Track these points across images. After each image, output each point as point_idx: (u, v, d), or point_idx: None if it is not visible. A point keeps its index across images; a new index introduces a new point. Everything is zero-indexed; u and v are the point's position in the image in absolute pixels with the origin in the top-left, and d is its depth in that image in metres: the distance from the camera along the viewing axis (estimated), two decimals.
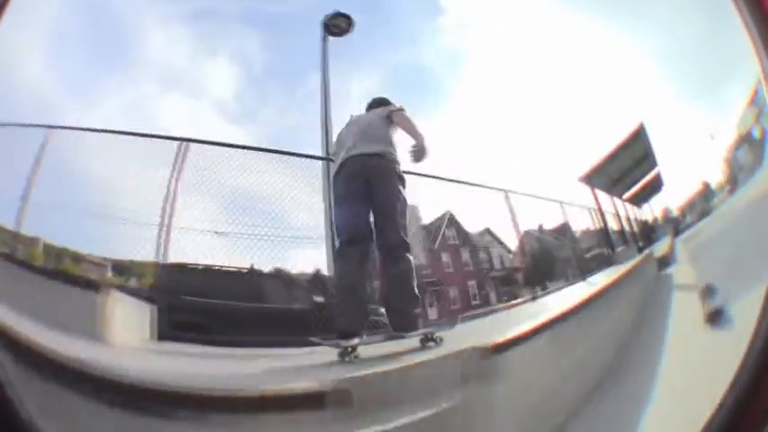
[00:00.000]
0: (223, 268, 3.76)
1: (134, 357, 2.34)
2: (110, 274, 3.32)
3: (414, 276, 2.56)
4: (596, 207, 7.82)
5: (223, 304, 3.38)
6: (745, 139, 4.28)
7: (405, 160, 2.77)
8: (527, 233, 6.67)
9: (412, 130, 2.75)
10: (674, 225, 6.17)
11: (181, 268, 3.49)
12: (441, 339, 2.42)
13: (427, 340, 2.42)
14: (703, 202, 4.83)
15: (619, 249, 7.37)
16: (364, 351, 2.26)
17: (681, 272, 4.22)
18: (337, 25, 4.93)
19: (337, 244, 2.56)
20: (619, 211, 9.92)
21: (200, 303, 3.29)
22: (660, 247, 5.87)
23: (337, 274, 2.52)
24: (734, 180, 4.36)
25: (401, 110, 2.87)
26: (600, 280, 5.28)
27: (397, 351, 2.22)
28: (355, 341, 2.21)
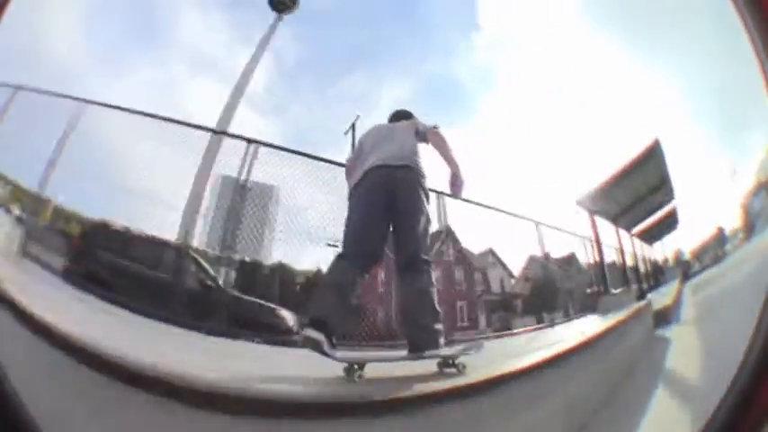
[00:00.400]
0: (150, 237, 3.88)
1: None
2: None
3: (435, 293, 2.34)
4: (593, 236, 7.27)
5: (132, 268, 3.52)
6: (764, 186, 4.22)
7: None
8: (532, 259, 6.49)
9: (449, 156, 2.59)
10: (684, 269, 5.92)
11: (106, 227, 3.77)
12: (464, 367, 2.09)
13: (447, 365, 2.13)
14: (716, 247, 4.70)
15: (615, 291, 6.95)
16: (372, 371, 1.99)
17: (681, 337, 3.61)
18: (283, 2, 5.17)
19: (340, 250, 2.35)
20: (624, 246, 9.30)
21: (113, 261, 3.50)
22: (664, 295, 5.47)
23: (331, 274, 2.29)
24: (749, 227, 4.26)
25: (437, 128, 2.69)
26: (590, 325, 4.78)
27: (411, 375, 1.97)
28: (329, 344, 1.94)
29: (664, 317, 4.24)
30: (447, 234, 5.67)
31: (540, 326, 5.78)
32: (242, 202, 4.12)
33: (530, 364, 2.10)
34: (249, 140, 4.23)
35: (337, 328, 2.04)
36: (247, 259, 4.37)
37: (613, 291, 6.81)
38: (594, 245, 7.16)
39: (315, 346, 1.91)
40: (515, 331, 5.63)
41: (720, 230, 4.88)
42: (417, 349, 2.16)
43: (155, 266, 3.62)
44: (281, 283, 4.68)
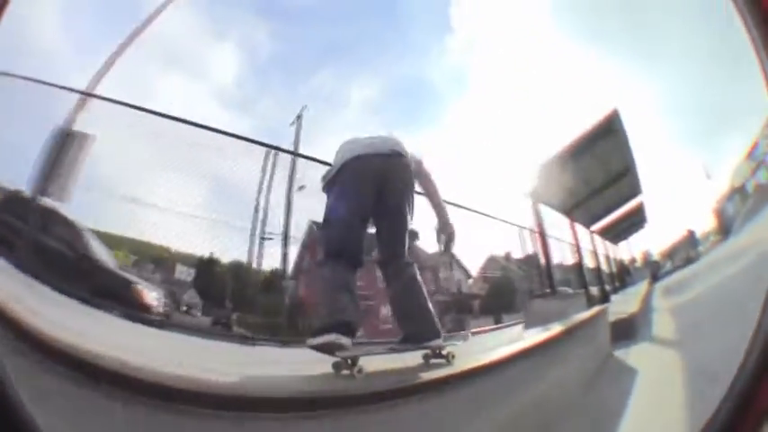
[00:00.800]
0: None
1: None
2: None
3: (423, 286, 2.31)
4: (536, 226, 6.77)
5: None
6: (738, 191, 4.56)
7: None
8: (492, 259, 6.39)
9: (437, 197, 2.46)
10: (653, 269, 5.94)
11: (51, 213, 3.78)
12: (453, 357, 2.14)
13: (435, 356, 2.16)
14: (689, 248, 4.89)
15: (568, 291, 6.40)
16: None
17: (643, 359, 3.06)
18: None
19: (321, 254, 2.19)
20: (580, 243, 9.05)
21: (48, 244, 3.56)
22: (628, 301, 4.90)
23: (327, 276, 2.13)
24: (724, 229, 4.46)
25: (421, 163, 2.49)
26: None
27: (404, 367, 1.98)
28: (348, 342, 1.89)
29: (626, 329, 3.55)
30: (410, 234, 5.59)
31: (498, 326, 5.71)
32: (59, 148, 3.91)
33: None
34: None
35: (357, 326, 2.01)
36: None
37: (567, 290, 6.45)
38: (538, 237, 6.61)
39: (337, 348, 1.82)
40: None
41: (692, 232, 5.11)
42: (419, 341, 2.15)
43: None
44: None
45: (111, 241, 4.03)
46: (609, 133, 6.11)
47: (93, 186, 3.82)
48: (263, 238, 4.30)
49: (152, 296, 3.83)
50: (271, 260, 4.60)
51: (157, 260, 4.77)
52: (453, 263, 6.09)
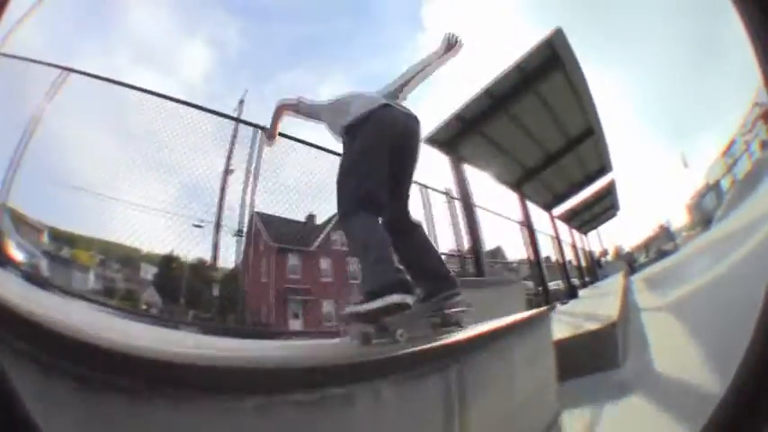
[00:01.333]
0: None
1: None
2: None
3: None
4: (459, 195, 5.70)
5: None
6: (712, 188, 4.60)
7: None
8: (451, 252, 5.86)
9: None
10: (628, 260, 5.82)
11: None
12: (464, 322, 2.08)
13: (446, 324, 2.07)
14: (662, 241, 4.93)
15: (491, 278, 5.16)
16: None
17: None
18: None
19: (351, 205, 2.07)
20: (528, 221, 8.13)
21: None
22: (603, 300, 4.21)
23: (370, 229, 2.02)
24: (697, 224, 4.53)
25: None
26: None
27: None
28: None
29: (605, 349, 2.43)
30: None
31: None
32: None
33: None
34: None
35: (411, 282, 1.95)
36: None
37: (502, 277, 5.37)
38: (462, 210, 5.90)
39: (405, 308, 1.78)
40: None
41: (666, 225, 5.10)
42: (441, 294, 2.11)
43: None
44: None
45: (80, 242, 3.94)
46: (554, 66, 4.71)
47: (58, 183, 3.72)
48: (195, 225, 4.17)
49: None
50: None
51: (123, 260, 4.68)
52: None
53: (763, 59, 1.10)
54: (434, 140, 5.50)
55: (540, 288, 8.32)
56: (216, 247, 4.24)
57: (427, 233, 2.58)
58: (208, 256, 4.35)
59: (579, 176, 9.62)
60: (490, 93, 4.93)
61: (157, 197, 4.07)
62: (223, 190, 4.34)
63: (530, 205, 8.94)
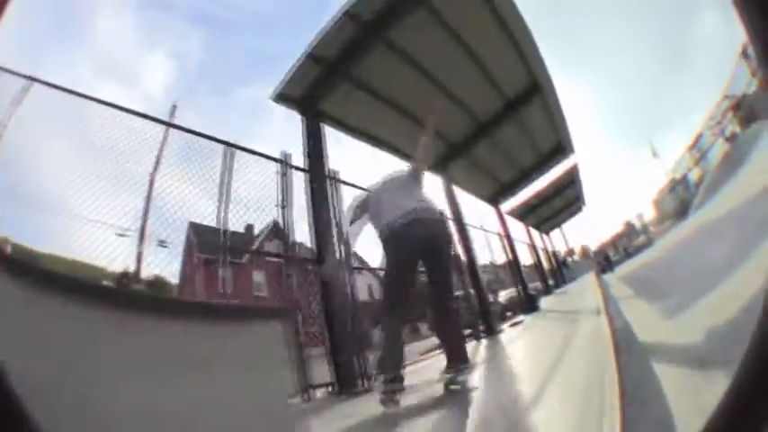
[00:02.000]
0: None
1: None
2: None
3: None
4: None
5: None
6: (679, 182, 4.65)
7: None
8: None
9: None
10: (600, 259, 5.55)
11: None
12: (466, 384, 2.57)
13: (453, 383, 2.60)
14: (631, 239, 4.86)
15: None
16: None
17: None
18: None
19: (383, 308, 2.67)
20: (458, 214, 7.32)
21: None
22: (576, 311, 4.45)
23: (393, 333, 2.62)
24: (663, 220, 4.53)
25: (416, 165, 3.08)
26: None
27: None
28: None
29: None
30: (275, 228, 4.69)
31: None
32: None
33: None
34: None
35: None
36: None
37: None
38: None
39: (400, 390, 2.48)
40: None
41: (630, 226, 4.92)
42: (456, 362, 2.64)
43: None
44: None
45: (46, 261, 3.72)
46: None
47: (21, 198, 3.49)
48: (119, 234, 3.92)
49: None
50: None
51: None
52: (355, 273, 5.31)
53: (763, 59, 1.11)
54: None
55: (477, 303, 7.08)
56: (139, 256, 4.03)
57: None
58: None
59: (530, 157, 7.90)
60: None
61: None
62: (149, 197, 4.09)
63: (460, 194, 7.79)
